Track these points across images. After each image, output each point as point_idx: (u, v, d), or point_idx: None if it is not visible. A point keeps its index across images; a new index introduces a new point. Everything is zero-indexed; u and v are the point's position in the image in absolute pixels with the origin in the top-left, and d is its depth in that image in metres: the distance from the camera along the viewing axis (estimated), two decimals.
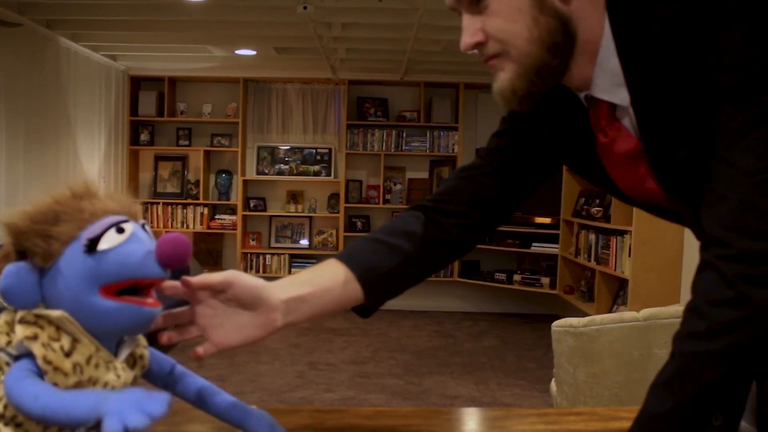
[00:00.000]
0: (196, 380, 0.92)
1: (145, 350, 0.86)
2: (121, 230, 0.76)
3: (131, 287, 0.76)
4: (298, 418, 1.11)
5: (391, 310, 6.56)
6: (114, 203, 0.78)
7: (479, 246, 5.57)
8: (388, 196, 6.69)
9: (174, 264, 0.78)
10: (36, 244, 0.74)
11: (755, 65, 0.76)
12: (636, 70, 0.85)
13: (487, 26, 0.87)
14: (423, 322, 6.23)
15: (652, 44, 0.82)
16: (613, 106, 0.91)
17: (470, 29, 0.89)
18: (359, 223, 6.59)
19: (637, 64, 0.85)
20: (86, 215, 0.76)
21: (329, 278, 1.00)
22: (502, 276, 6.34)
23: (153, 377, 0.89)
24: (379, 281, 1.05)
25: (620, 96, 0.89)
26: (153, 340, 0.89)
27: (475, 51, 0.90)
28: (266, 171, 6.64)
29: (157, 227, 6.41)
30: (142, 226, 0.80)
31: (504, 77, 0.89)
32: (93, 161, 5.80)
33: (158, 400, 0.68)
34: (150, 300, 0.78)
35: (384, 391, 4.20)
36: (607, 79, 0.89)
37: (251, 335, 0.94)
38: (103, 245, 0.74)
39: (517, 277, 6.27)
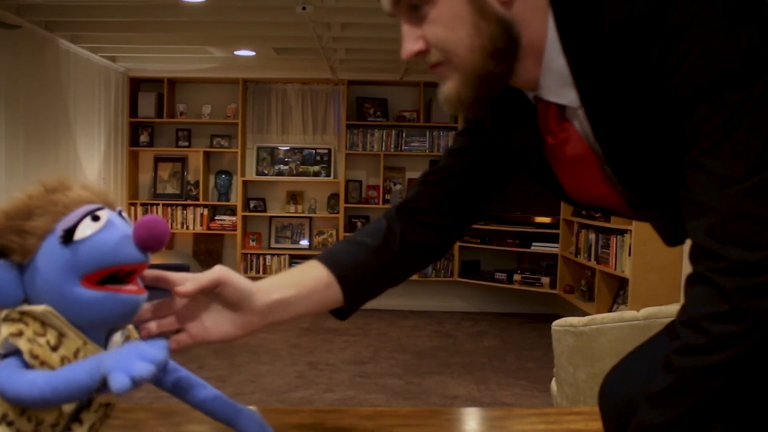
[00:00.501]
0: (186, 376, 0.92)
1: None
2: (96, 218, 0.75)
3: (114, 276, 0.75)
4: (298, 418, 1.11)
5: (391, 310, 6.56)
6: (88, 193, 0.78)
7: (479, 246, 5.55)
8: (387, 197, 6.69)
9: (152, 246, 0.77)
10: (12, 240, 0.73)
11: (718, 64, 0.73)
12: (585, 71, 0.83)
13: (428, 34, 0.84)
14: (423, 322, 6.22)
15: (601, 44, 0.80)
16: (561, 107, 0.88)
17: (410, 37, 0.86)
18: (359, 224, 6.59)
19: (586, 64, 0.82)
20: (60, 207, 0.75)
21: (312, 280, 1.01)
22: (502, 276, 6.34)
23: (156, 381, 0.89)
24: (359, 284, 1.05)
25: (569, 97, 0.86)
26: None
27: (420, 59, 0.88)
28: (266, 171, 6.64)
29: None
30: (119, 213, 0.79)
31: (449, 85, 0.86)
32: (93, 162, 5.80)
33: (157, 346, 0.67)
34: (133, 287, 0.77)
35: (384, 391, 4.19)
36: (553, 81, 0.86)
37: (229, 333, 0.95)
38: (79, 235, 0.73)
39: (517, 277, 6.27)
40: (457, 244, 6.43)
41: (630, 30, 0.77)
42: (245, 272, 6.50)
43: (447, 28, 0.83)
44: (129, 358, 0.65)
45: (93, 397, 0.68)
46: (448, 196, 1.08)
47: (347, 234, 6.56)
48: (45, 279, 0.74)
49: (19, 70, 4.60)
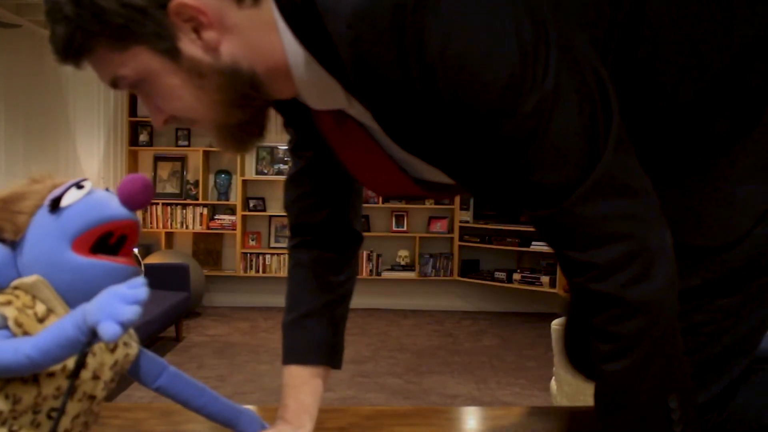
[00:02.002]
0: (187, 381, 0.92)
1: (132, 341, 0.86)
2: (81, 187, 0.78)
3: (106, 245, 0.77)
4: None
5: (391, 309, 6.56)
6: (74, 179, 0.81)
7: (479, 245, 5.53)
8: None
9: (136, 200, 0.79)
10: (3, 218, 0.77)
11: (498, 81, 0.67)
12: (348, 79, 0.75)
13: (161, 106, 0.79)
14: (423, 321, 6.22)
15: (351, 50, 0.71)
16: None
17: (151, 109, 0.80)
18: None
19: (345, 72, 0.74)
20: (49, 187, 0.79)
21: (312, 390, 1.06)
22: (502, 275, 6.34)
23: (144, 377, 0.89)
24: (334, 349, 1.11)
25: (338, 99, 0.81)
26: None
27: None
28: (265, 171, 6.64)
29: (157, 228, 6.41)
30: (106, 189, 0.81)
31: (216, 141, 0.82)
32: (92, 162, 5.80)
33: (136, 285, 0.67)
34: (123, 258, 0.78)
35: (384, 391, 4.20)
36: (315, 92, 0.81)
37: None
38: (65, 202, 0.76)
39: (516, 276, 6.28)
40: (457, 243, 6.45)
41: (371, 67, 0.70)
42: (245, 272, 6.51)
43: (173, 100, 0.77)
44: (113, 304, 0.65)
45: (85, 350, 0.68)
46: (313, 212, 1.11)
47: None
48: (36, 250, 0.76)
49: (18, 69, 4.60)
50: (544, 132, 0.70)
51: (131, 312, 0.64)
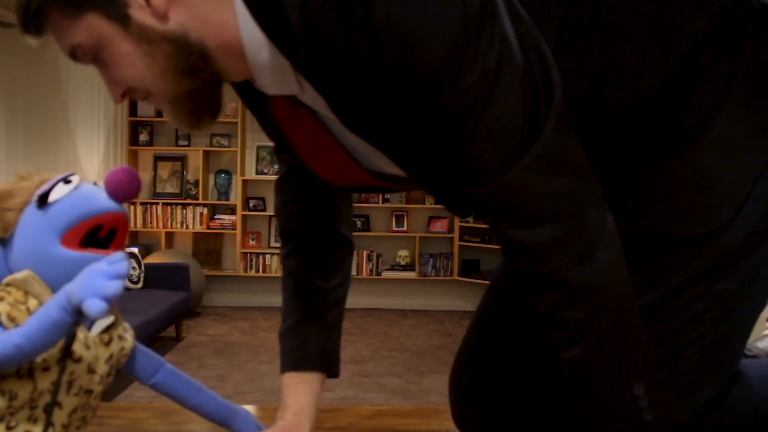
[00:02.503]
0: (183, 379, 0.92)
1: (127, 334, 0.86)
2: (68, 182, 0.78)
3: (95, 239, 0.77)
4: None
5: (391, 309, 6.56)
6: (62, 174, 0.82)
7: (479, 245, 5.53)
8: (387, 196, 6.68)
9: (123, 192, 0.79)
10: None
11: (440, 51, 0.68)
12: (301, 62, 0.76)
13: (116, 76, 0.80)
14: (423, 321, 6.22)
15: (306, 36, 0.73)
16: (290, 96, 0.85)
17: (109, 83, 0.82)
18: (359, 223, 6.59)
19: (297, 54, 0.75)
20: (36, 182, 0.80)
21: (310, 389, 1.07)
22: None
23: (140, 372, 0.89)
24: (328, 355, 1.11)
25: (290, 87, 0.82)
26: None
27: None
28: (266, 171, 6.64)
29: (157, 227, 6.41)
30: (94, 183, 0.82)
31: (169, 115, 0.83)
32: (92, 162, 5.80)
33: (116, 259, 0.68)
34: (113, 251, 0.78)
35: (384, 390, 4.20)
36: (268, 75, 0.81)
37: None
38: (53, 197, 0.76)
39: None
40: (457, 243, 6.45)
41: (323, 30, 0.71)
42: (245, 271, 6.51)
43: (125, 67, 0.79)
44: (95, 281, 0.65)
45: (73, 331, 0.68)
46: (301, 216, 1.11)
47: None
48: (26, 245, 0.76)
49: (18, 68, 4.60)
50: (485, 105, 0.71)
51: (114, 286, 0.65)
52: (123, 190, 0.79)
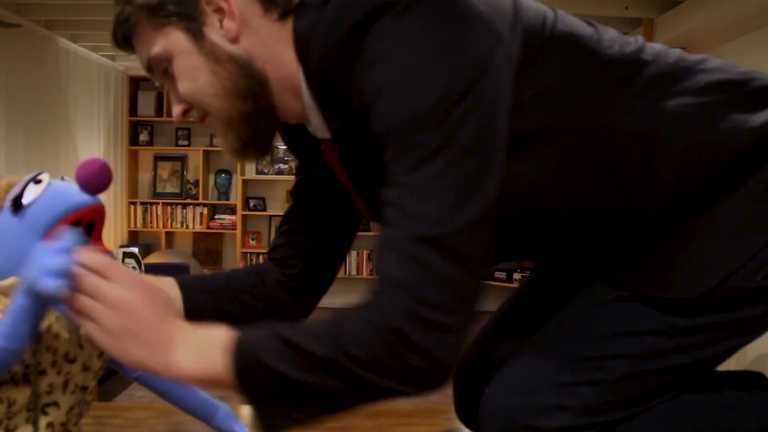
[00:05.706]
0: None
1: None
2: (38, 181, 0.78)
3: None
4: None
5: None
6: (29, 175, 0.82)
7: None
8: None
9: (95, 184, 0.79)
10: None
11: (406, 106, 0.69)
12: (324, 107, 0.80)
13: (180, 88, 0.84)
14: None
15: (321, 80, 0.77)
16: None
17: (174, 98, 0.86)
18: None
19: (323, 100, 0.79)
20: (4, 187, 0.80)
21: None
22: (502, 275, 6.34)
23: (124, 368, 0.89)
24: (198, 286, 1.00)
25: (326, 131, 0.85)
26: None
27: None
28: (266, 171, 6.64)
29: (157, 227, 6.41)
30: (61, 178, 0.82)
31: (220, 138, 0.86)
32: None
33: (65, 234, 0.67)
34: (94, 244, 0.78)
35: None
36: (316, 116, 0.84)
37: None
38: (26, 200, 0.76)
39: (516, 276, 6.27)
40: None
41: (331, 67, 0.75)
42: None
43: (190, 81, 0.84)
44: (42, 259, 0.66)
45: (43, 312, 0.68)
46: (302, 240, 1.05)
47: None
48: (7, 251, 0.76)
49: (18, 69, 4.60)
50: (426, 165, 0.69)
51: (61, 261, 0.65)
52: (94, 182, 0.79)
